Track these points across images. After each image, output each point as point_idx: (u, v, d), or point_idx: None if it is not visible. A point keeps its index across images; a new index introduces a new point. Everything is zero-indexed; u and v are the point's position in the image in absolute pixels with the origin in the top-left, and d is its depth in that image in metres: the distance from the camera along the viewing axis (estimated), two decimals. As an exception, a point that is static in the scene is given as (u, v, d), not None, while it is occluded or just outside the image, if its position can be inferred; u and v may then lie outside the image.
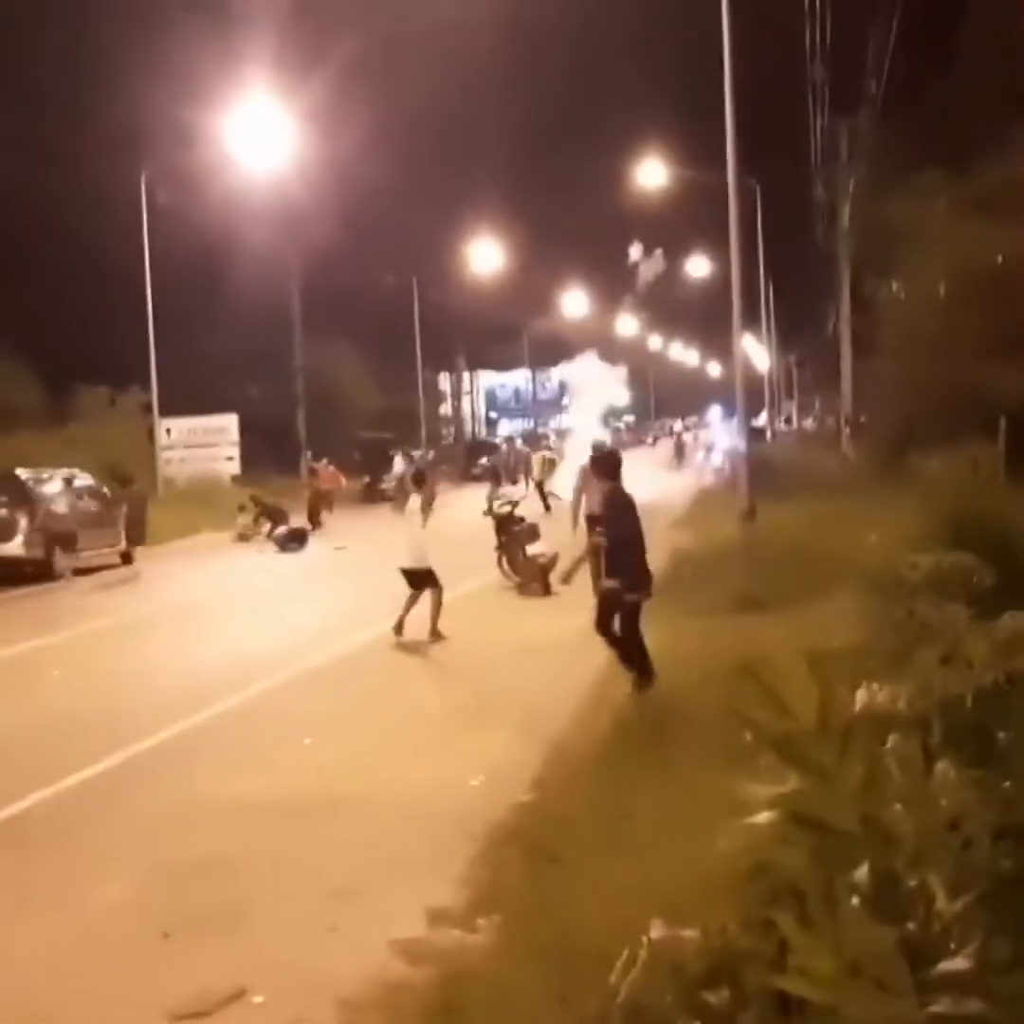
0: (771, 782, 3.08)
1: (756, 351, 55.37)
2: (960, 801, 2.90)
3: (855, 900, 2.81)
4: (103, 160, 35.81)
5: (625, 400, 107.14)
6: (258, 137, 34.49)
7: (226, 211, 38.79)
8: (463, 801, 7.78)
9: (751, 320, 44.17)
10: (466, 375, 75.01)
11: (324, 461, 37.88)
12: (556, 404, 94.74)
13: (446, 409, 71.46)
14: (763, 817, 3.07)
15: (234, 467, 40.21)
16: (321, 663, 13.01)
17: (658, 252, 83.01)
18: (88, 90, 35.69)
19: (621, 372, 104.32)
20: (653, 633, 12.78)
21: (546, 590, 17.26)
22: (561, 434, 69.93)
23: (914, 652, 3.18)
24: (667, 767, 7.29)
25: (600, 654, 12.02)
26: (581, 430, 74.67)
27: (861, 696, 3.11)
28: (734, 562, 15.53)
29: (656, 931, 3.75)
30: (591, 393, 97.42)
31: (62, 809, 8.27)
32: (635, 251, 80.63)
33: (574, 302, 76.86)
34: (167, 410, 37.92)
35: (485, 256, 58.42)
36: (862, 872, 2.79)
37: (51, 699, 11.75)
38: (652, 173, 35.14)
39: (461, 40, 40.37)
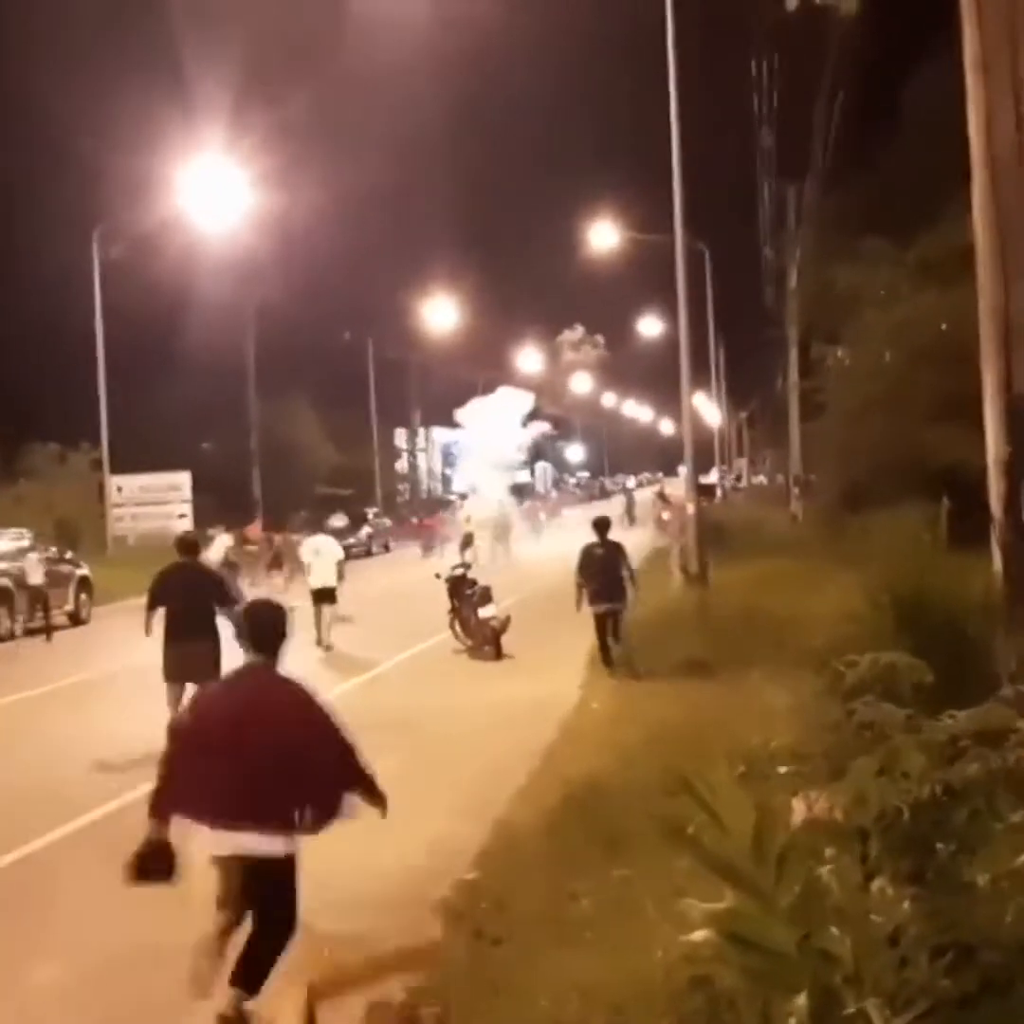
0: (708, 895, 3.04)
1: (707, 409, 55.77)
2: (898, 917, 2.86)
3: (793, 1023, 2.76)
4: (55, 218, 35.79)
5: (579, 456, 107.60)
6: (212, 195, 34.57)
7: (180, 269, 38.81)
8: (406, 880, 7.65)
9: (702, 378, 44.54)
10: (421, 431, 75.05)
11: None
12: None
13: (402, 465, 71.44)
14: (699, 934, 3.03)
15: (187, 524, 39.90)
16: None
17: (597, 338, 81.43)
18: (39, 148, 35.70)
19: (535, 427, 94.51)
20: (602, 696, 12.77)
21: (498, 654, 17.30)
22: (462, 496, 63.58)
23: (851, 758, 3.15)
24: (613, 845, 7.22)
25: (550, 721, 11.97)
26: (483, 489, 71.82)
27: (799, 806, 3.08)
28: (684, 625, 15.55)
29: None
30: (489, 440, 79.94)
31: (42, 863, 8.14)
32: (568, 335, 79.25)
33: (528, 359, 77.38)
34: (119, 467, 37.70)
35: (440, 313, 58.77)
36: (800, 995, 2.74)
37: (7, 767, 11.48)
38: (603, 235, 35.56)
39: (417, 101, 40.72)
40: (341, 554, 20.07)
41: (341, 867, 7.75)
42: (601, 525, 15.77)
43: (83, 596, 25.22)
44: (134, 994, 6.21)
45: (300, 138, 36.38)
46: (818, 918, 2.82)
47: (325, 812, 5.72)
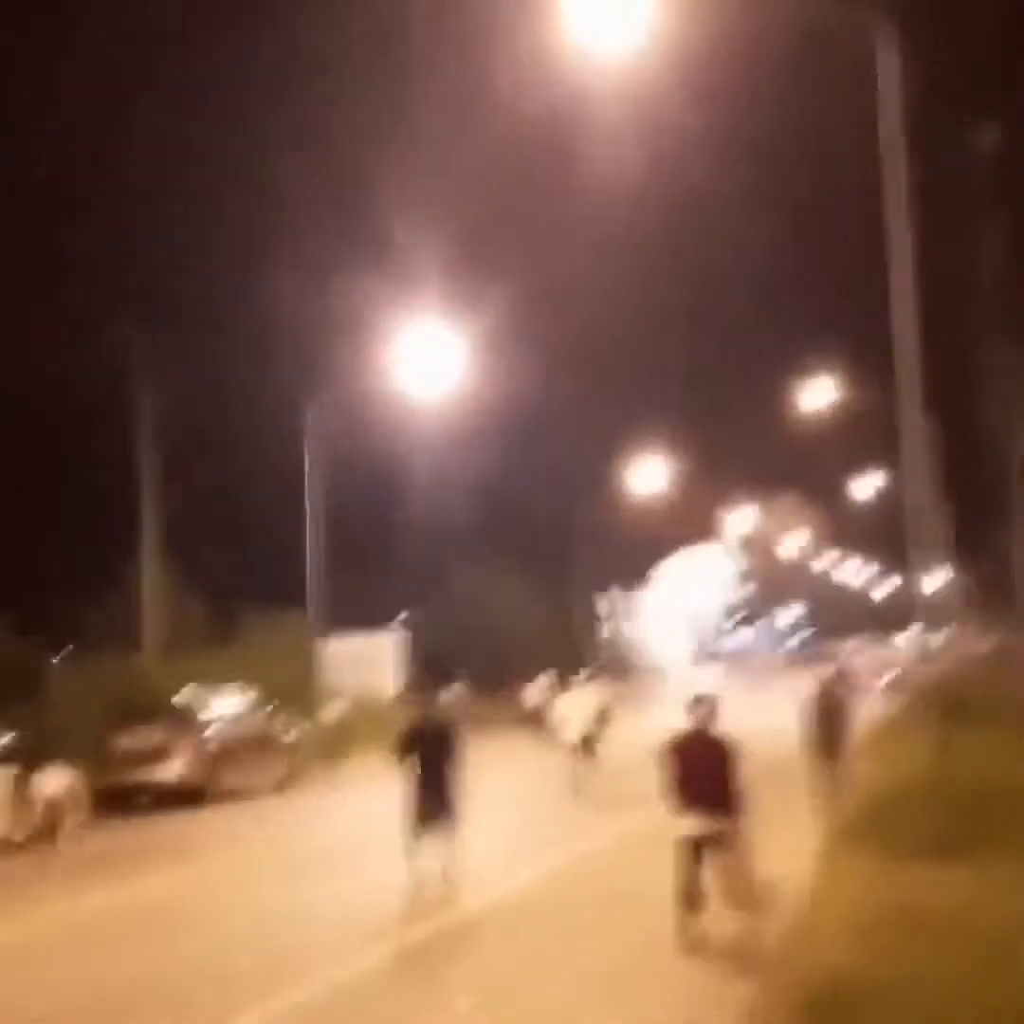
0: None
1: (929, 575, 53.44)
2: None
3: None
4: (271, 393, 36.95)
5: (792, 618, 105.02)
6: (423, 362, 35.11)
7: (391, 437, 39.49)
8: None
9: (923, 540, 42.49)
10: (623, 596, 74.14)
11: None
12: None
13: (606, 632, 70.43)
14: None
15: (395, 685, 39.87)
16: (477, 911, 12.05)
17: (810, 506, 79.81)
18: (257, 322, 37.07)
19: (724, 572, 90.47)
20: (840, 883, 11.50)
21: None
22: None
23: None
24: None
25: (783, 904, 10.82)
26: (676, 653, 69.29)
27: None
28: (926, 800, 14.25)
29: None
30: (684, 602, 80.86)
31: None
32: (781, 501, 77.63)
33: (737, 520, 76.13)
34: (329, 627, 38.02)
35: (647, 475, 58.35)
36: None
37: (168, 949, 10.81)
38: (818, 394, 34.80)
39: (629, 262, 41.02)
40: (588, 709, 21.29)
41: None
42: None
43: (292, 760, 25.04)
44: None
45: (511, 303, 36.77)
46: None
47: (742, 807, 9.89)
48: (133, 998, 9.12)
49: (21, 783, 17.27)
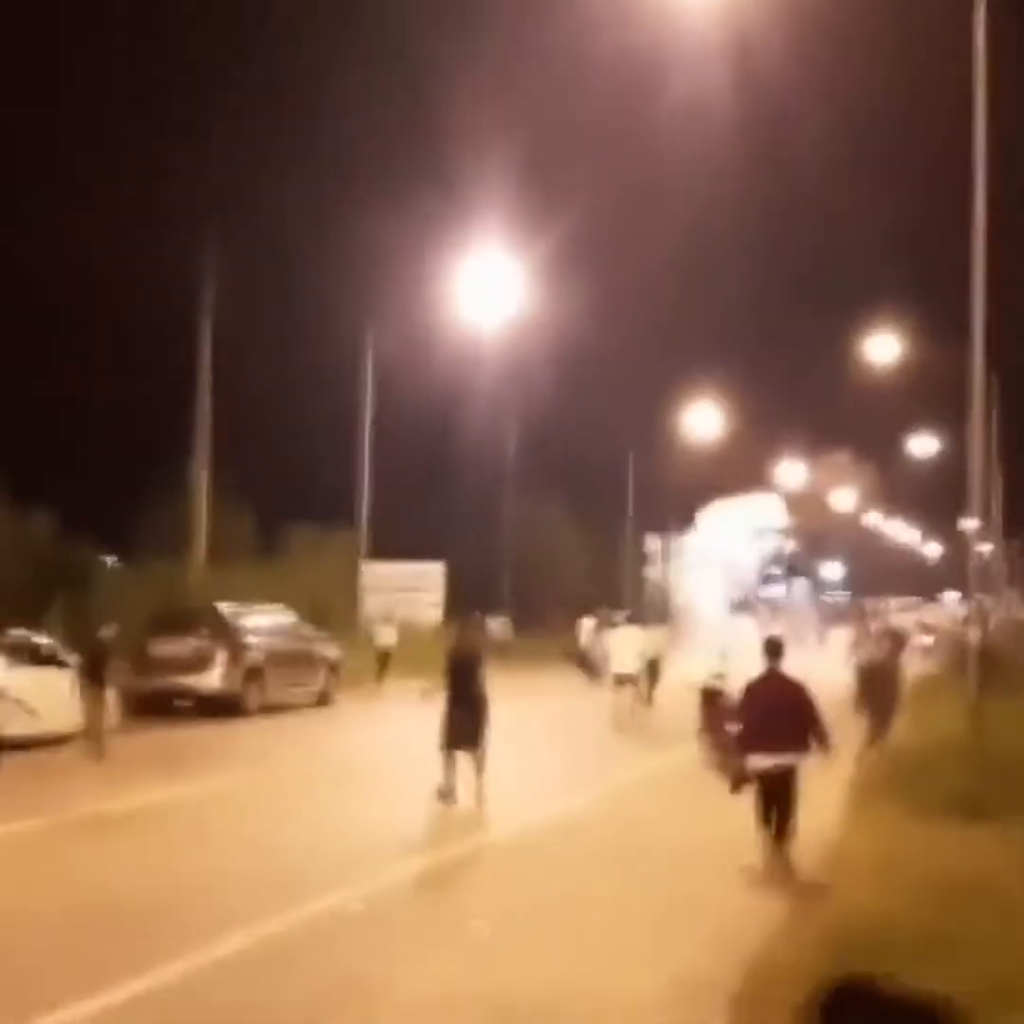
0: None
1: (980, 539, 52.89)
2: None
3: None
4: (328, 309, 36.95)
5: (837, 574, 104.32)
6: (482, 293, 34.96)
7: (446, 364, 39.40)
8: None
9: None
10: (672, 539, 73.81)
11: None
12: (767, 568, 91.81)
13: (654, 572, 70.18)
14: None
15: (436, 614, 40.08)
16: (500, 841, 12.18)
17: (864, 463, 78.45)
18: (318, 242, 37.00)
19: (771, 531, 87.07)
20: (867, 839, 11.53)
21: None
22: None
23: None
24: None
25: (810, 849, 10.87)
26: (709, 597, 70.44)
27: None
28: (958, 761, 14.23)
29: None
30: (723, 546, 79.30)
31: (184, 994, 7.15)
32: (835, 456, 76.48)
33: (789, 472, 75.36)
34: (374, 553, 38.26)
35: (702, 420, 57.89)
36: None
37: (200, 854, 10.86)
38: (879, 351, 34.32)
39: (694, 209, 40.53)
40: (643, 646, 21.97)
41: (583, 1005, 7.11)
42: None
43: (331, 677, 25.24)
44: None
45: (574, 241, 36.46)
46: None
47: (816, 740, 10.52)
48: (152, 898, 9.17)
49: (74, 683, 17.57)
